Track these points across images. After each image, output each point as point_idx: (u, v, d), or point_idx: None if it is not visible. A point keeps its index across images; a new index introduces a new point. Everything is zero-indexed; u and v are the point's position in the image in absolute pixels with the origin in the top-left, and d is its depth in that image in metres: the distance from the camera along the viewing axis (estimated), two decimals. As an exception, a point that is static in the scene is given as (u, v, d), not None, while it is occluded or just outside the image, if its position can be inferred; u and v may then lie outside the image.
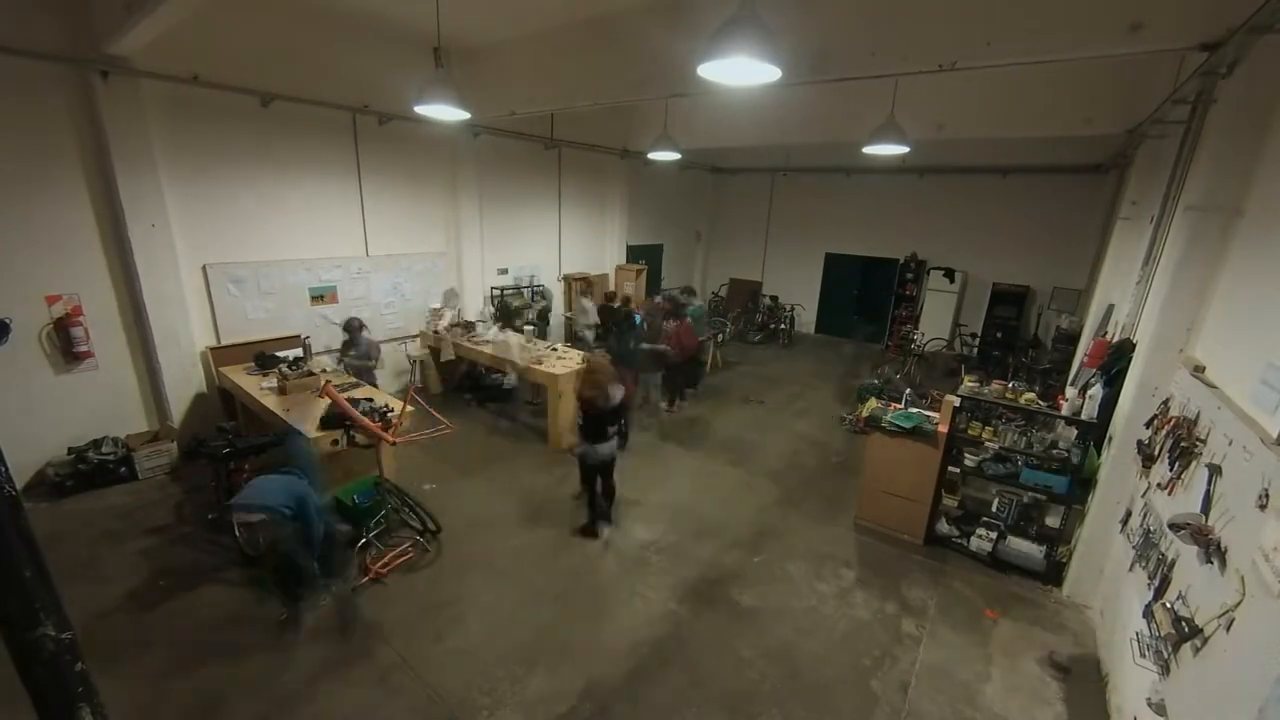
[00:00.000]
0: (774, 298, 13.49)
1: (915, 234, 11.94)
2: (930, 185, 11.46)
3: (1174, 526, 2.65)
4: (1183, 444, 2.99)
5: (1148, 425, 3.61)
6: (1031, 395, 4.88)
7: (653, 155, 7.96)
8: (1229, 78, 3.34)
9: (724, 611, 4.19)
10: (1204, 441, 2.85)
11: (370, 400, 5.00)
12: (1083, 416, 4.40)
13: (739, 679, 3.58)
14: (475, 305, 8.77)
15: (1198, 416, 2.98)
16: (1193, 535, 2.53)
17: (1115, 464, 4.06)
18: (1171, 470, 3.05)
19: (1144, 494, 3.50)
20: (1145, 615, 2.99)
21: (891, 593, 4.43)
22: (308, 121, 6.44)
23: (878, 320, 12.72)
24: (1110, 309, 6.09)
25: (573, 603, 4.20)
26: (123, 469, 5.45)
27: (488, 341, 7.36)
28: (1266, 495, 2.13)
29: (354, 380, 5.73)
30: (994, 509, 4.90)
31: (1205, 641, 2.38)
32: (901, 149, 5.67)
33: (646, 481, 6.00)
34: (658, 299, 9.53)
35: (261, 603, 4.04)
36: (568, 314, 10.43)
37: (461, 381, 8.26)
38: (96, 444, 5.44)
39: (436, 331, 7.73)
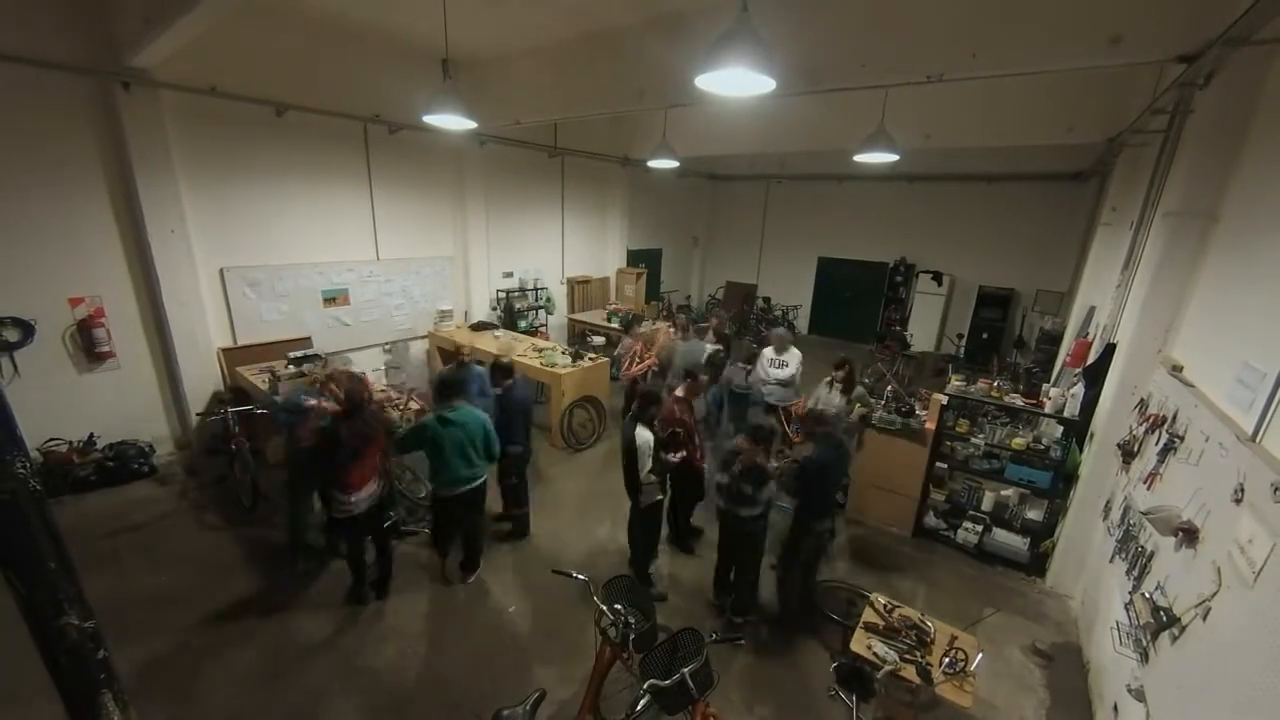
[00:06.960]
0: (767, 299, 13.68)
1: (905, 239, 12.12)
2: (919, 192, 11.63)
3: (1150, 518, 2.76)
4: (1174, 441, 3.03)
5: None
6: (1016, 394, 5.02)
7: (652, 163, 8.08)
8: (1206, 89, 3.48)
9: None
10: (1181, 439, 2.95)
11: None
12: (1065, 414, 4.55)
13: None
14: (482, 308, 9.03)
15: (1175, 414, 3.08)
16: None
17: (1097, 459, 4.20)
18: (1158, 464, 3.13)
19: (1124, 488, 3.61)
20: (1125, 605, 3.09)
21: (881, 583, 4.54)
22: (321, 131, 6.61)
23: (869, 321, 12.82)
24: (1092, 311, 6.21)
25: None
26: (145, 466, 5.64)
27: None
28: (1242, 490, 2.22)
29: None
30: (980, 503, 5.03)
31: (1183, 630, 2.46)
32: (891, 157, 5.80)
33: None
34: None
35: (272, 580, 4.21)
36: (571, 315, 10.63)
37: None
38: (124, 444, 5.64)
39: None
